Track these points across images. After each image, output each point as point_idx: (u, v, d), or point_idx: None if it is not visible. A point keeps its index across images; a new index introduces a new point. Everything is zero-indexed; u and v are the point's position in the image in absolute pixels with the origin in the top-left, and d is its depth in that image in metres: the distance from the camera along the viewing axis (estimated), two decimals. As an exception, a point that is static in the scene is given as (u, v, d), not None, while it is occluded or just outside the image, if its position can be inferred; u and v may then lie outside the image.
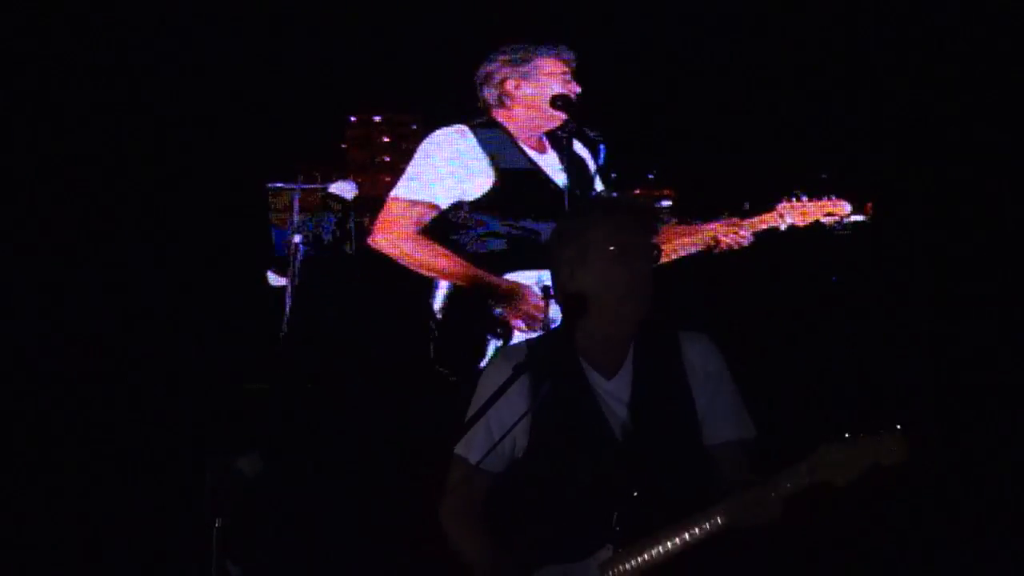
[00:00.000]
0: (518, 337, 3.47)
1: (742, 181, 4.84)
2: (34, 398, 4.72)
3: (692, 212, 4.59)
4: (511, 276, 3.53)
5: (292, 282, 4.83)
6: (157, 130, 5.00)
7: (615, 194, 3.69)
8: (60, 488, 4.41)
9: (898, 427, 2.49)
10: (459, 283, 3.47)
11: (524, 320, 3.45)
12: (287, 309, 4.76)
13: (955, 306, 4.69)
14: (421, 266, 3.54)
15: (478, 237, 3.59)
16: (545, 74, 3.66)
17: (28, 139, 4.88)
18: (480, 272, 3.46)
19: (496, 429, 2.73)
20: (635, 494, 2.63)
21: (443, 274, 3.51)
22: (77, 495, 4.40)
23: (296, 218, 5.07)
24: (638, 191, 4.70)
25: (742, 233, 3.68)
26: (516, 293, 3.46)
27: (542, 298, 3.46)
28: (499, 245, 3.58)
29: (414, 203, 3.55)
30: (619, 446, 2.72)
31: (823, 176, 4.89)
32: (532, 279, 3.52)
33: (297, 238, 4.95)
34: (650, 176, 4.63)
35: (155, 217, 4.98)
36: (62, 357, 4.79)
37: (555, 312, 3.43)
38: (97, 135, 4.92)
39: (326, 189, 4.86)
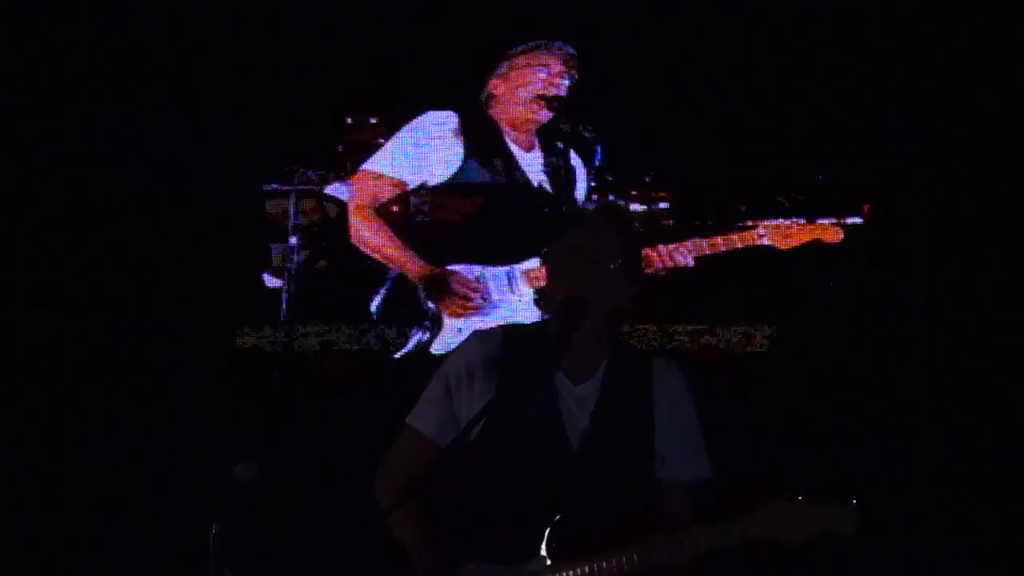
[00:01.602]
0: (447, 328, 3.47)
1: (739, 183, 4.83)
2: (28, 403, 4.70)
3: (689, 214, 4.59)
4: (455, 266, 3.53)
5: (289, 284, 4.81)
6: (151, 131, 4.98)
7: (590, 204, 3.67)
8: (57, 494, 4.39)
9: (853, 500, 2.47)
10: (391, 265, 3.50)
11: (453, 307, 3.44)
12: (283, 312, 4.74)
13: (958, 312, 4.68)
14: (362, 242, 3.58)
15: (432, 223, 3.61)
16: (517, 70, 3.68)
17: (21, 140, 4.87)
18: (410, 258, 3.48)
19: (457, 410, 2.73)
20: (574, 508, 2.63)
21: (379, 253, 3.55)
22: (74, 501, 4.38)
23: (292, 220, 5.05)
24: (634, 192, 4.68)
25: (677, 258, 3.62)
26: (442, 280, 3.46)
27: (473, 284, 3.45)
28: (451, 233, 3.59)
29: (378, 176, 3.62)
30: (571, 453, 2.71)
31: (820, 177, 4.89)
32: (474, 272, 3.51)
33: (293, 240, 4.93)
34: (647, 179, 4.62)
35: (149, 219, 4.97)
36: (55, 363, 4.78)
37: (506, 305, 3.44)
38: (88, 135, 4.90)
39: (323, 191, 4.84)
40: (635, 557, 2.56)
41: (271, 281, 4.87)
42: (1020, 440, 4.52)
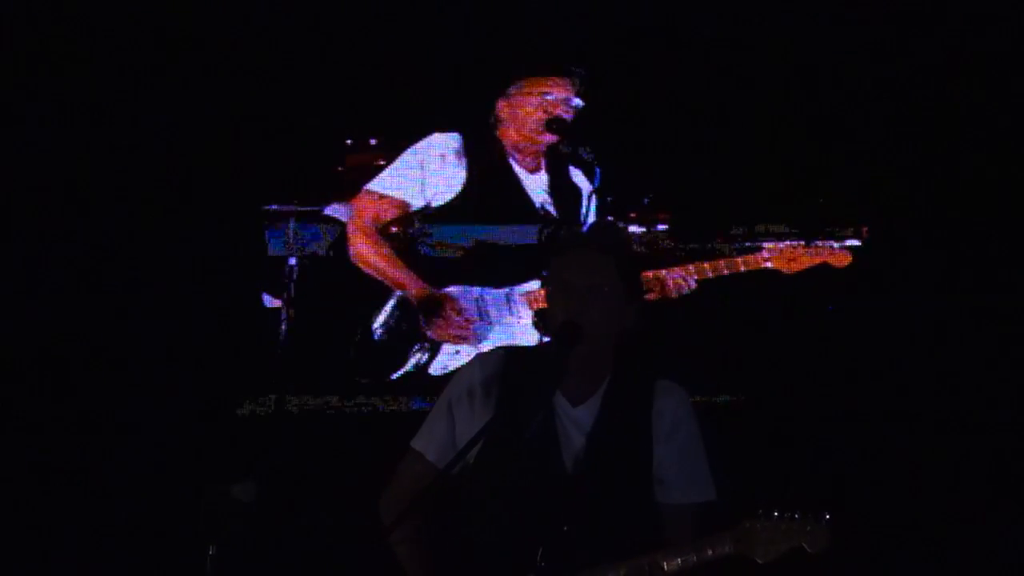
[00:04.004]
0: (445, 350, 3.47)
1: (738, 205, 4.84)
2: (24, 419, 4.69)
3: (688, 236, 4.58)
4: (453, 288, 3.52)
5: (287, 304, 4.80)
6: (153, 151, 5.00)
7: (585, 229, 3.68)
8: (52, 515, 4.38)
9: (826, 516, 2.49)
10: (390, 285, 3.49)
11: (447, 331, 3.43)
12: (282, 331, 4.73)
13: (960, 333, 4.69)
14: (362, 261, 3.57)
15: (434, 243, 3.60)
16: (523, 94, 3.69)
17: (28, 160, 4.89)
18: (410, 279, 3.48)
19: (458, 432, 2.73)
20: (566, 529, 2.63)
21: (378, 273, 3.54)
22: (70, 521, 4.36)
23: (292, 240, 5.05)
24: (633, 215, 4.69)
25: (688, 281, 3.60)
26: (438, 303, 3.45)
27: (468, 309, 3.45)
28: (452, 254, 3.59)
29: (381, 197, 3.64)
30: (566, 475, 2.71)
31: (820, 200, 4.89)
32: (473, 294, 3.51)
33: (292, 260, 4.93)
34: (646, 200, 4.63)
35: (149, 238, 4.97)
36: (51, 378, 4.77)
37: (505, 327, 3.44)
38: (88, 152, 4.92)
39: (322, 211, 4.84)
40: None
41: (271, 301, 4.86)
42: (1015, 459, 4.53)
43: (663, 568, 2.56)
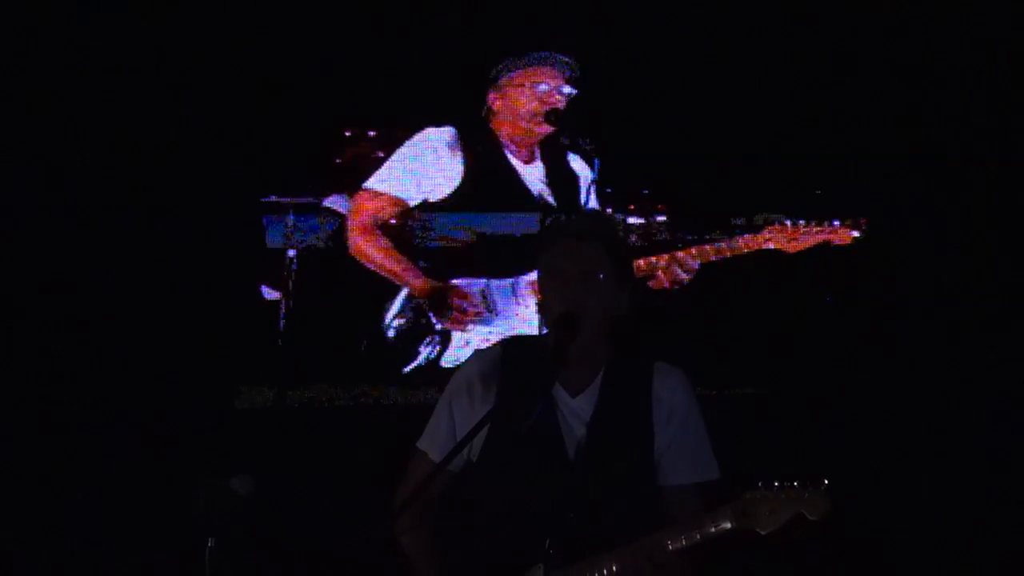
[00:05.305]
0: (455, 341, 3.47)
1: (737, 195, 4.83)
2: (21, 416, 4.69)
3: (686, 227, 4.58)
4: (458, 280, 3.52)
5: (286, 296, 4.81)
6: (150, 142, 4.99)
7: (572, 217, 3.66)
8: (50, 509, 4.39)
9: (825, 481, 2.50)
10: (394, 280, 3.50)
11: (453, 320, 3.44)
12: (281, 324, 4.74)
13: (958, 326, 4.69)
14: (363, 257, 3.57)
15: (434, 238, 3.59)
16: (514, 86, 3.69)
17: (25, 148, 4.88)
18: (412, 272, 3.47)
19: (459, 429, 2.73)
20: (572, 516, 2.63)
21: (380, 268, 3.54)
22: (66, 515, 4.37)
23: (291, 231, 5.04)
24: (632, 205, 4.69)
25: (679, 273, 3.58)
26: (443, 293, 3.45)
27: (474, 296, 3.45)
28: (455, 248, 3.58)
29: (378, 195, 3.63)
30: (569, 465, 2.71)
31: (817, 191, 4.89)
32: (479, 284, 3.51)
33: (291, 252, 4.93)
34: (645, 192, 4.62)
35: (146, 230, 4.97)
36: (48, 373, 4.77)
37: (512, 316, 3.44)
38: (86, 146, 4.91)
39: (320, 203, 4.84)
40: (624, 563, 2.57)
41: (269, 293, 4.87)
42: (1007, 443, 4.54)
43: (667, 548, 2.56)
